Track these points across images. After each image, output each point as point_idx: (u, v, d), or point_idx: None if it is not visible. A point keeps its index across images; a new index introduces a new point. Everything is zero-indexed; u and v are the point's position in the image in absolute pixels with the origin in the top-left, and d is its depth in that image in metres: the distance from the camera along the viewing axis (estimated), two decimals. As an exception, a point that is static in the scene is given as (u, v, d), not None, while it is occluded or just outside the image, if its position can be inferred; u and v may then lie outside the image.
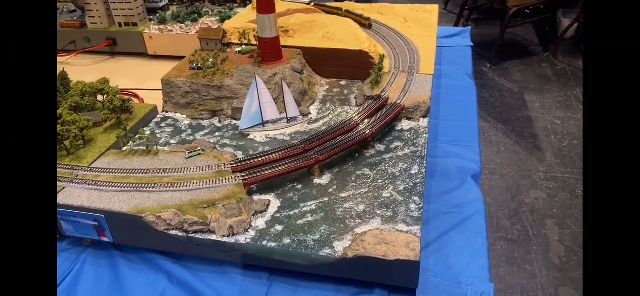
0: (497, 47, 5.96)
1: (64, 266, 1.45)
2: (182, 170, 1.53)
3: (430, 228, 1.52)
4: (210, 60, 2.01)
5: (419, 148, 1.69)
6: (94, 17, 2.74)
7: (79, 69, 2.65)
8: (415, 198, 1.45)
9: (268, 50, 2.02)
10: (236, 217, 1.37)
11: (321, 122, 1.91)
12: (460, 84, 2.51)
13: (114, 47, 2.76)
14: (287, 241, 1.32)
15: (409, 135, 1.78)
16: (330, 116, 1.95)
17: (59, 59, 2.70)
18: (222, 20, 2.68)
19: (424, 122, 1.85)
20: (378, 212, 1.41)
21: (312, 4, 2.77)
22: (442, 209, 1.61)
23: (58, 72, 1.93)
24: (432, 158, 1.87)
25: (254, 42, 2.18)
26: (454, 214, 1.59)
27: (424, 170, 1.58)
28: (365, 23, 2.52)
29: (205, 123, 1.93)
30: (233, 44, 2.29)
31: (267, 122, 1.85)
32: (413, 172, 1.57)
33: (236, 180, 1.48)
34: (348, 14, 2.60)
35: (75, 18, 2.89)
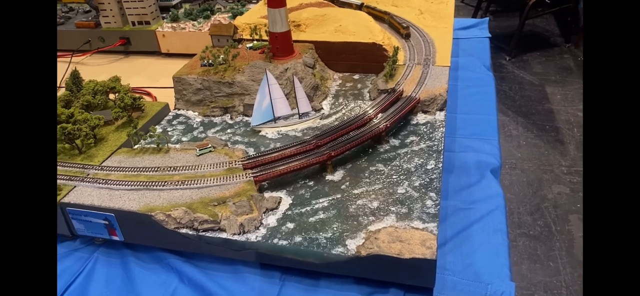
0: (516, 39, 5.82)
1: (75, 265, 1.44)
2: (193, 167, 1.51)
3: (447, 225, 1.47)
4: (221, 56, 1.99)
5: (436, 143, 1.64)
6: (108, 16, 2.75)
7: (93, 69, 2.66)
8: (432, 194, 1.40)
9: (279, 45, 1.99)
10: (247, 214, 1.34)
11: (334, 117, 1.87)
12: (478, 76, 2.44)
13: (128, 46, 2.77)
14: (298, 239, 1.28)
15: (425, 129, 1.72)
16: (343, 111, 1.91)
17: (74, 59, 2.72)
18: (234, 17, 2.65)
19: (440, 116, 1.79)
20: (392, 208, 1.36)
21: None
22: (460, 205, 1.56)
23: (70, 71, 1.93)
24: (449, 152, 1.81)
25: (265, 37, 2.15)
26: (473, 210, 1.54)
27: (440, 165, 1.52)
28: (403, 32, 2.29)
29: (216, 120, 1.90)
30: (244, 39, 2.26)
31: (279, 118, 1.82)
32: (429, 167, 1.52)
33: (247, 177, 1.45)
34: (392, 19, 2.42)
35: (90, 18, 2.90)
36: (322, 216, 1.36)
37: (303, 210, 1.39)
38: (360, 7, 2.55)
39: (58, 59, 2.80)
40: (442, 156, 1.57)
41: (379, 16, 2.47)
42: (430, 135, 1.68)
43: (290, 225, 1.33)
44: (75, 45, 2.78)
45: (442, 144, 1.63)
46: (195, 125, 1.88)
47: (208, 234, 1.32)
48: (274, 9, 1.90)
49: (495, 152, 1.82)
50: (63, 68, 2.59)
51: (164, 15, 2.84)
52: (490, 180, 1.67)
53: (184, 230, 1.33)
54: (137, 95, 1.84)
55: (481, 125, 2.01)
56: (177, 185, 1.43)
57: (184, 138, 1.79)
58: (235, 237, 1.30)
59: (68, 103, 1.79)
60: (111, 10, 2.72)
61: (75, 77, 1.89)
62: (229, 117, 1.91)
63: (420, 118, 1.79)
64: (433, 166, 1.52)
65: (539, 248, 3.28)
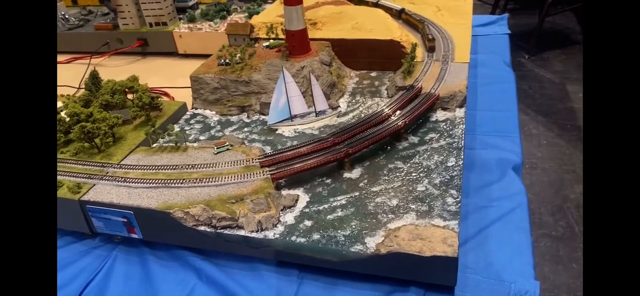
0: (536, 37, 5.72)
1: (95, 263, 1.45)
2: (211, 165, 1.50)
3: (468, 223, 1.44)
4: (238, 55, 1.99)
5: (456, 140, 1.61)
6: (125, 18, 2.77)
7: (111, 70, 2.69)
8: (453, 191, 1.37)
9: (296, 43, 1.98)
10: (264, 212, 1.33)
11: (351, 114, 1.85)
12: (498, 73, 2.39)
13: (145, 47, 2.79)
14: (316, 236, 1.27)
15: (445, 126, 1.69)
16: (361, 108, 1.89)
17: (93, 61, 2.76)
18: (251, 16, 2.66)
19: (460, 112, 1.76)
20: (412, 206, 1.33)
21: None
22: (481, 203, 1.52)
23: (90, 71, 1.95)
24: (470, 150, 1.77)
25: (281, 36, 2.15)
26: (495, 208, 1.50)
27: (461, 162, 1.49)
28: (428, 45, 2.10)
29: (233, 119, 1.90)
30: (261, 38, 2.26)
31: (295, 116, 1.81)
32: (449, 164, 1.49)
33: (264, 174, 1.44)
34: (424, 28, 2.25)
35: (108, 20, 2.93)
36: (340, 214, 1.34)
37: (321, 207, 1.37)
38: (400, 13, 2.48)
39: (77, 61, 2.84)
40: (462, 153, 1.54)
41: (414, 24, 2.37)
42: (450, 132, 1.65)
43: (308, 223, 1.32)
44: (94, 47, 2.82)
45: (463, 141, 1.60)
46: (212, 124, 1.88)
47: (226, 231, 1.31)
48: (291, 6, 1.89)
49: (517, 149, 1.78)
50: (82, 69, 2.63)
51: (181, 16, 2.86)
52: (512, 178, 1.63)
53: (202, 227, 1.32)
54: (155, 94, 1.84)
55: (502, 121, 1.97)
56: (195, 183, 1.42)
57: (201, 137, 1.79)
58: (253, 234, 1.29)
59: (87, 103, 1.81)
60: (129, 11, 2.75)
61: (94, 77, 1.91)
62: (246, 115, 1.91)
63: (440, 115, 1.76)
64: (453, 163, 1.49)
65: (562, 249, 3.21)
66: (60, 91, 2.12)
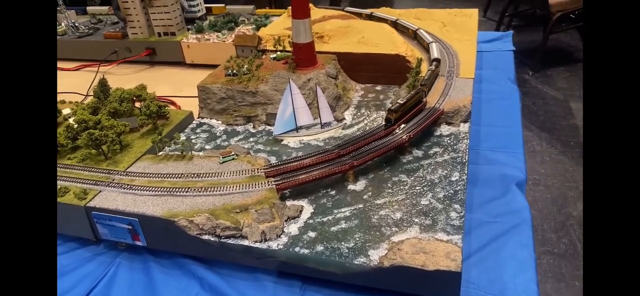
0: (540, 54, 5.74)
1: (98, 269, 1.45)
2: (216, 174, 1.51)
3: (472, 238, 1.44)
4: (245, 66, 2.01)
5: (460, 154, 1.61)
6: (134, 27, 2.81)
7: (120, 78, 2.72)
8: (456, 205, 1.38)
9: (302, 56, 2.00)
10: (268, 222, 1.34)
11: (356, 127, 1.86)
12: (502, 88, 2.41)
13: (153, 57, 2.82)
14: (320, 248, 1.27)
15: (449, 141, 1.70)
16: (366, 121, 1.90)
17: (102, 69, 2.79)
18: (258, 28, 2.69)
19: (464, 127, 1.77)
20: (416, 219, 1.34)
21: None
22: (484, 218, 1.52)
23: (98, 79, 1.97)
24: (474, 165, 1.78)
25: (289, 48, 2.17)
26: (498, 224, 1.50)
27: (465, 177, 1.50)
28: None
29: (239, 129, 1.92)
30: (268, 50, 2.28)
31: (301, 127, 1.82)
32: (453, 178, 1.50)
33: (269, 184, 1.45)
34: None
35: (118, 29, 2.97)
36: (344, 225, 1.34)
37: (325, 219, 1.38)
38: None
39: (86, 68, 2.87)
40: (466, 168, 1.55)
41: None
42: (454, 147, 1.66)
43: (312, 234, 1.32)
44: (103, 55, 2.85)
45: (467, 156, 1.60)
46: (218, 134, 1.89)
47: (230, 241, 1.32)
48: (299, 19, 1.92)
49: (521, 165, 1.79)
50: (91, 76, 2.66)
51: (189, 26, 2.90)
52: (515, 194, 1.64)
53: (206, 236, 1.33)
54: (162, 103, 1.86)
55: (506, 137, 1.98)
56: (200, 192, 1.43)
57: (207, 146, 1.80)
58: (257, 245, 1.30)
59: (95, 110, 1.83)
60: (138, 21, 2.78)
61: (102, 85, 1.94)
62: (252, 126, 1.92)
63: (444, 129, 1.77)
64: (457, 178, 1.50)
65: (564, 267, 3.19)
66: (69, 98, 2.15)
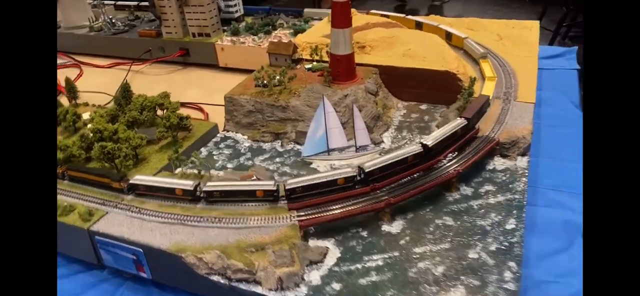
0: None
1: (100, 298, 1.32)
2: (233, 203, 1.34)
3: (528, 303, 1.20)
4: (277, 77, 1.84)
5: (517, 196, 1.38)
6: (169, 26, 2.71)
7: (151, 78, 2.62)
8: (511, 263, 1.15)
9: (340, 69, 1.81)
10: (287, 267, 1.16)
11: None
12: (566, 114, 2.12)
13: (187, 58, 2.71)
14: (344, 306, 1.08)
15: (504, 178, 1.46)
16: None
17: (134, 67, 2.70)
18: (296, 34, 2.51)
19: (522, 162, 1.53)
20: (462, 278, 1.13)
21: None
22: (544, 277, 1.28)
23: (128, 78, 1.86)
24: (531, 206, 1.52)
25: (326, 58, 1.98)
26: (560, 285, 1.26)
27: (522, 226, 1.27)
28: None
29: (266, 146, 1.75)
30: (304, 59, 2.11)
31: (333, 149, 1.63)
32: (508, 227, 1.27)
33: (291, 220, 1.26)
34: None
35: (153, 28, 2.88)
36: (374, 278, 1.15)
37: (353, 267, 1.19)
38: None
39: (118, 66, 2.80)
40: (524, 213, 1.31)
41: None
42: (510, 186, 1.42)
43: (336, 286, 1.13)
44: (136, 53, 2.76)
45: (525, 198, 1.37)
46: (242, 150, 1.73)
47: (241, 286, 1.15)
48: (338, 29, 1.73)
49: (588, 211, 1.52)
50: (122, 75, 2.57)
51: (225, 28, 2.76)
52: (582, 247, 1.37)
53: (215, 277, 1.17)
54: (185, 114, 1.72)
55: (570, 174, 1.70)
56: (213, 222, 1.27)
57: (229, 165, 1.65)
58: (272, 294, 1.12)
59: (114, 118, 1.71)
60: (173, 20, 2.68)
61: (125, 90, 1.82)
62: (280, 144, 1.75)
63: (498, 163, 1.53)
64: (514, 226, 1.27)
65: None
66: (95, 98, 2.05)
